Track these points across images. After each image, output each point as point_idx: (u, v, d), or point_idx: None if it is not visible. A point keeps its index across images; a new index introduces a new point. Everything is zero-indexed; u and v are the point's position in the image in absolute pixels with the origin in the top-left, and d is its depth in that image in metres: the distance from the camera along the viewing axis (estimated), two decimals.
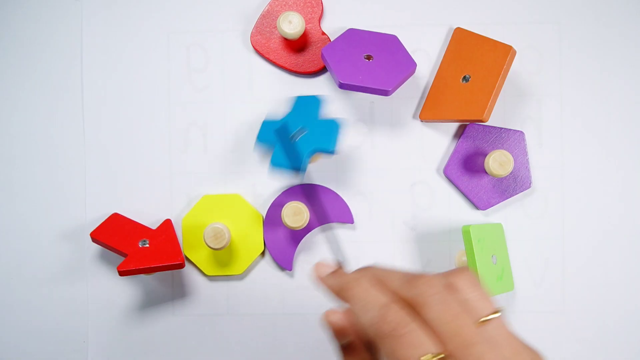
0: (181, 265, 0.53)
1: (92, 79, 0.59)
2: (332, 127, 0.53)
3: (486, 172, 0.57)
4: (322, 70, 0.59)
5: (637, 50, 0.58)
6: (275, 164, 0.53)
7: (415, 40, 0.59)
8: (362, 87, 0.53)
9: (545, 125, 0.59)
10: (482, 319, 0.33)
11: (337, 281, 0.38)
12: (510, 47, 0.54)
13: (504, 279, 0.56)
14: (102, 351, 0.59)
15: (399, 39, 0.56)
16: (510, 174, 0.58)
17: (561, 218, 0.59)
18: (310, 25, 0.58)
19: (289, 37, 0.55)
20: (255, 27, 0.59)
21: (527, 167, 0.58)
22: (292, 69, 0.58)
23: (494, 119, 0.58)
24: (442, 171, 0.59)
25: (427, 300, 0.33)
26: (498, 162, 0.54)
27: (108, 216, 0.58)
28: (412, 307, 0.34)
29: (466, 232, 0.53)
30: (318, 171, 0.59)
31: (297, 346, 0.59)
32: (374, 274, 0.37)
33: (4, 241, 0.59)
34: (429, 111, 0.58)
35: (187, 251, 0.58)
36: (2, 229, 0.59)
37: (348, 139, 0.59)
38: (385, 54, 0.55)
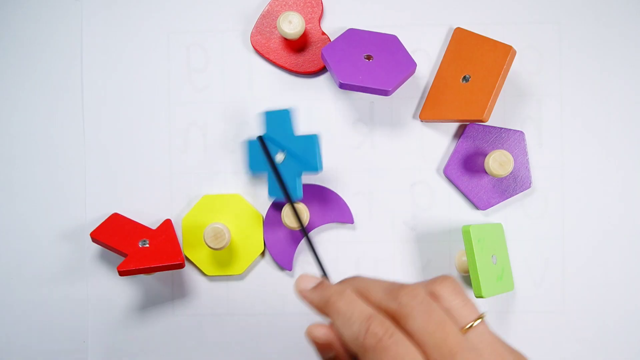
0: (181, 265, 0.54)
1: (92, 79, 0.59)
2: (310, 144, 0.52)
3: (486, 172, 0.57)
4: (322, 70, 0.59)
5: (637, 50, 0.58)
6: (272, 194, 0.56)
7: (415, 40, 0.59)
8: (362, 87, 0.53)
9: (545, 125, 0.59)
10: (466, 326, 0.33)
11: (319, 295, 0.37)
12: (510, 47, 0.54)
13: (504, 279, 0.56)
14: (102, 351, 0.59)
15: (399, 39, 0.56)
16: (510, 174, 0.58)
17: (561, 218, 0.59)
18: (310, 25, 0.58)
19: (289, 37, 0.55)
20: (255, 27, 0.59)
21: (527, 167, 0.58)
22: (292, 69, 0.58)
23: (494, 119, 0.58)
24: (442, 171, 0.59)
25: (410, 312, 0.33)
26: (498, 162, 0.54)
27: (108, 216, 0.58)
28: (396, 319, 0.34)
29: (466, 232, 0.53)
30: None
31: (297, 346, 0.59)
32: (356, 287, 0.37)
33: (4, 241, 0.59)
34: (429, 111, 0.58)
35: (187, 251, 0.58)
36: (2, 229, 0.59)
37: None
38: (385, 54, 0.55)
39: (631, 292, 0.58)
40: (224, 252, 0.58)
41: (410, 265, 0.59)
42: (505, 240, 0.58)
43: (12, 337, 0.59)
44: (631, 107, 0.58)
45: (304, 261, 0.59)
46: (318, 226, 0.58)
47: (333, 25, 0.59)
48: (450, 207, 0.59)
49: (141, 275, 0.59)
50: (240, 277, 0.59)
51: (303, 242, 0.59)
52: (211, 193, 0.59)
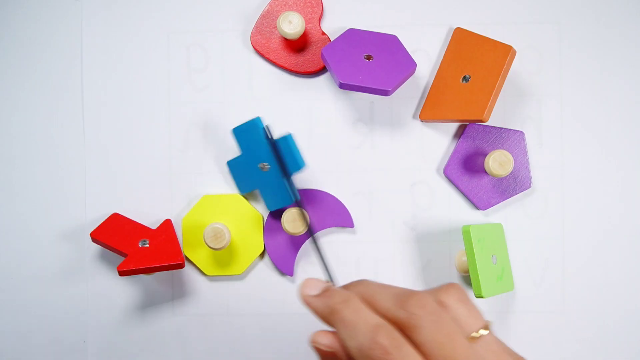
0: (181, 265, 0.53)
1: (92, 79, 0.59)
2: (286, 145, 0.52)
3: (486, 172, 0.57)
4: (322, 70, 0.59)
5: (637, 50, 0.58)
6: (271, 207, 0.55)
7: (415, 40, 0.59)
8: (362, 87, 0.53)
9: (545, 125, 0.59)
10: (472, 335, 0.33)
11: (323, 303, 0.36)
12: (510, 47, 0.54)
13: (504, 279, 0.56)
14: (102, 351, 0.59)
15: (399, 39, 0.56)
16: (510, 174, 0.58)
17: (561, 218, 0.59)
18: (310, 25, 0.58)
19: (289, 37, 0.55)
20: (255, 27, 0.59)
21: (527, 167, 0.58)
22: (292, 69, 0.58)
23: (494, 119, 0.58)
24: (442, 171, 0.59)
25: (418, 322, 0.32)
26: (498, 162, 0.54)
27: (108, 216, 0.58)
28: (404, 328, 0.33)
29: (466, 232, 0.53)
30: (318, 171, 0.59)
31: (297, 346, 0.59)
32: (362, 293, 0.36)
33: (4, 241, 0.59)
34: (429, 111, 0.58)
35: (187, 251, 0.58)
36: (2, 229, 0.59)
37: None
38: (385, 54, 0.55)
39: (631, 292, 0.58)
40: (224, 252, 0.58)
41: (410, 265, 0.59)
42: (505, 240, 0.58)
43: (12, 336, 0.59)
44: (631, 107, 0.58)
45: (305, 264, 0.59)
46: (318, 231, 0.58)
47: (333, 25, 0.59)
48: (450, 207, 0.59)
49: (141, 275, 0.59)
50: (240, 277, 0.59)
51: (303, 247, 0.59)
52: (211, 193, 0.59)
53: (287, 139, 0.52)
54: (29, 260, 0.59)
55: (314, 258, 0.59)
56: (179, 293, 0.59)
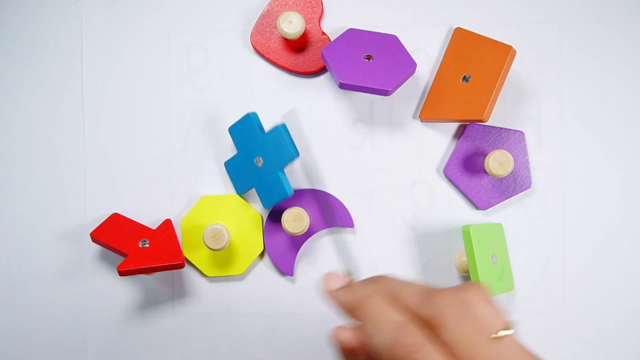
0: (181, 265, 0.53)
1: (92, 79, 0.59)
2: (279, 136, 0.53)
3: (486, 172, 0.57)
4: (322, 70, 0.59)
5: (637, 50, 0.58)
6: (267, 205, 0.55)
7: (415, 40, 0.59)
8: (362, 87, 0.53)
9: (545, 125, 0.59)
10: (495, 335, 0.33)
11: (348, 297, 0.36)
12: (510, 47, 0.54)
13: (504, 279, 0.56)
14: (102, 351, 0.59)
15: (399, 39, 0.56)
16: (510, 174, 0.58)
17: (561, 218, 0.59)
18: (310, 25, 0.58)
19: (289, 37, 0.55)
20: (255, 27, 0.59)
21: (527, 167, 0.58)
22: (292, 69, 0.58)
23: (494, 119, 0.58)
24: (442, 171, 0.59)
25: (444, 321, 0.33)
26: (498, 162, 0.54)
27: (108, 216, 0.58)
28: (429, 326, 0.33)
29: (466, 232, 0.53)
30: (318, 171, 0.59)
31: (297, 346, 0.59)
32: (388, 289, 0.36)
33: (4, 241, 0.59)
34: (429, 111, 0.58)
35: (186, 252, 0.58)
36: (2, 229, 0.59)
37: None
38: (385, 54, 0.55)
39: (631, 292, 0.58)
40: (223, 253, 0.58)
41: (410, 265, 0.59)
42: (505, 240, 0.58)
43: (12, 336, 0.59)
44: (631, 107, 0.58)
45: (305, 264, 0.59)
46: (318, 230, 0.58)
47: (333, 25, 0.59)
48: (450, 207, 0.59)
49: (141, 275, 0.59)
50: (240, 277, 0.59)
51: (303, 247, 0.59)
52: (211, 193, 0.59)
53: (279, 129, 0.53)
54: (29, 260, 0.59)
55: (314, 258, 0.59)
56: (179, 293, 0.59)
